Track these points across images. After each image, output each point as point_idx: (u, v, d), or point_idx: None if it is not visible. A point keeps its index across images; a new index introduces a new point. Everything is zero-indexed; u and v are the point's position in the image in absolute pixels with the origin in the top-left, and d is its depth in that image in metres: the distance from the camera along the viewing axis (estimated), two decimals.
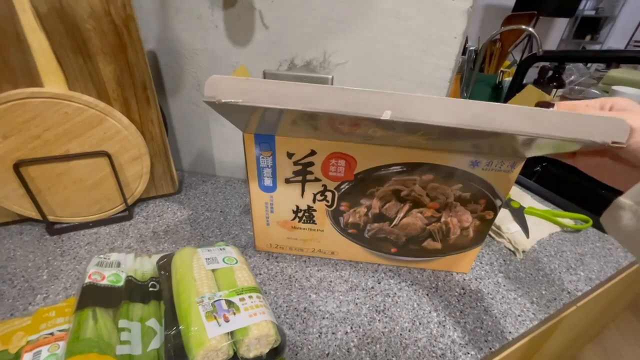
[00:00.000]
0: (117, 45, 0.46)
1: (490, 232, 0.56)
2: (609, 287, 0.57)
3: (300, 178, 0.41)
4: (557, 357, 0.97)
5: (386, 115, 0.25)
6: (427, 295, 0.45)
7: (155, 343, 0.34)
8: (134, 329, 0.34)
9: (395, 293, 0.45)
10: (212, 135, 0.65)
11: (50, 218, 0.53)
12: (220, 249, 0.44)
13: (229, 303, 0.34)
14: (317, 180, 0.41)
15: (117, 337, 0.33)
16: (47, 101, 0.44)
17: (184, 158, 0.70)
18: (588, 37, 3.40)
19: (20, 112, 0.44)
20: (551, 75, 1.04)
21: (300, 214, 0.45)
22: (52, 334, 0.35)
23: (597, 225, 0.59)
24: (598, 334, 1.30)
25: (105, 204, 0.55)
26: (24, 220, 0.54)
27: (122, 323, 0.34)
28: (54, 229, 0.53)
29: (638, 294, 1.22)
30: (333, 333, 0.40)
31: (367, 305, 0.43)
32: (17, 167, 0.46)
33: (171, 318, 0.34)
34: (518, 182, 0.71)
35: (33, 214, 0.52)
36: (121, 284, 0.39)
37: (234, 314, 0.33)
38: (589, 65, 1.41)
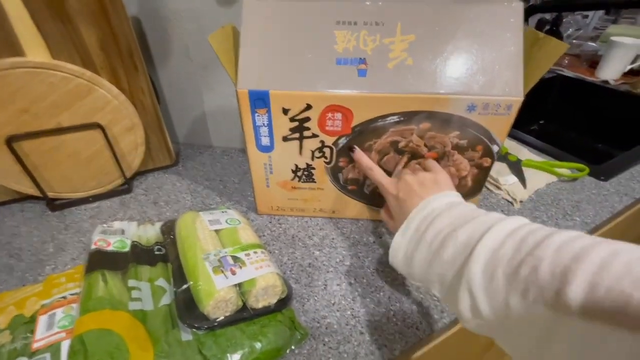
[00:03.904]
0: (97, 7, 0.43)
1: (487, 185, 0.57)
2: (600, 234, 0.59)
3: (297, 135, 0.41)
4: None
5: None
6: None
7: (165, 299, 0.35)
8: (144, 287, 0.35)
9: None
10: (206, 104, 0.64)
11: (50, 194, 0.53)
12: (222, 212, 0.44)
13: (235, 258, 0.35)
14: (314, 136, 0.41)
15: (128, 295, 0.34)
16: (31, 71, 0.43)
17: (178, 130, 0.69)
18: None
19: (3, 84, 0.42)
20: (549, 28, 1.01)
21: (299, 173, 0.45)
22: (64, 297, 0.36)
23: (593, 173, 0.59)
24: None
25: (103, 178, 0.55)
26: (24, 198, 0.54)
27: (131, 282, 0.35)
28: (54, 204, 0.53)
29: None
30: (338, 284, 0.41)
31: (370, 258, 0.45)
32: (10, 142, 0.46)
33: (179, 276, 0.35)
34: (516, 137, 0.71)
35: (32, 190, 0.51)
36: (127, 249, 0.40)
37: (240, 267, 0.34)
38: (589, 18, 1.37)
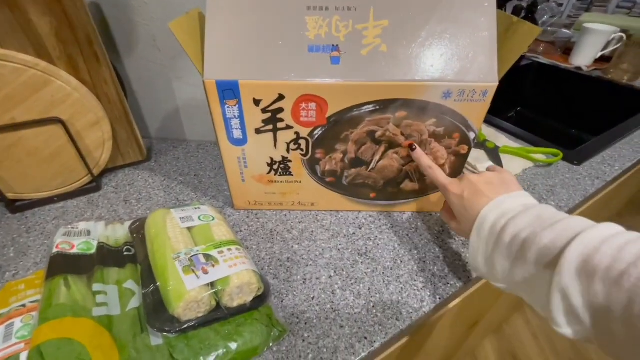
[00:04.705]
0: None
1: (466, 172, 0.57)
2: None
3: (270, 127, 0.39)
4: None
5: None
6: (408, 235, 0.46)
7: (134, 302, 0.33)
8: (110, 291, 0.33)
9: (377, 236, 0.46)
10: (177, 96, 0.61)
11: (10, 195, 0.49)
12: (195, 208, 0.42)
13: (207, 257, 0.33)
14: (288, 127, 0.39)
15: (93, 300, 0.32)
16: None
17: (150, 124, 0.66)
18: None
19: None
20: (524, 15, 1.02)
21: (275, 167, 0.44)
22: (23, 305, 0.33)
23: (567, 158, 0.61)
24: None
25: (68, 176, 0.52)
26: None
27: (96, 287, 0.33)
28: (15, 206, 0.50)
29: None
30: (317, 278, 0.40)
31: (350, 250, 0.44)
32: None
33: (148, 277, 0.33)
34: (493, 124, 0.71)
35: None
36: (92, 251, 0.38)
37: (213, 266, 0.32)
38: (563, 6, 1.39)
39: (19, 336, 0.30)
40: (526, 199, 0.33)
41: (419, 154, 0.40)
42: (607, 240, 0.23)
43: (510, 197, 0.32)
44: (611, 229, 0.25)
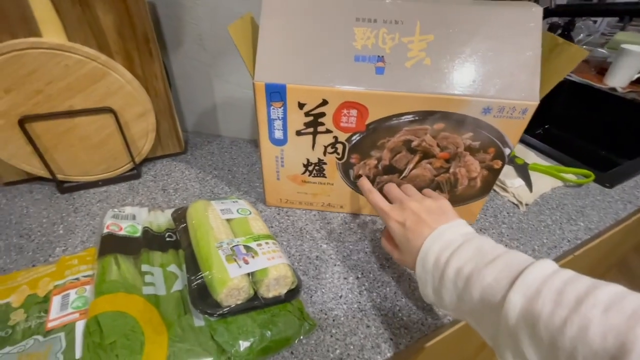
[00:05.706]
0: None
1: (495, 187, 0.58)
2: (602, 240, 0.60)
3: (311, 130, 0.41)
4: None
5: None
6: None
7: (177, 285, 0.35)
8: (156, 273, 0.36)
9: None
10: (215, 93, 0.64)
11: (60, 177, 0.53)
12: (233, 202, 0.44)
13: (247, 248, 0.35)
14: (328, 131, 0.41)
15: (141, 279, 0.34)
16: (47, 52, 0.43)
17: (187, 118, 0.69)
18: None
19: (20, 65, 0.42)
20: (560, 32, 1.01)
21: (310, 168, 0.46)
22: (77, 279, 0.36)
23: (599, 180, 0.60)
24: None
25: (112, 163, 0.55)
26: (32, 179, 0.54)
27: (144, 267, 0.35)
28: (63, 187, 0.54)
29: (627, 252, 1.27)
30: (345, 278, 0.42)
31: (377, 254, 0.45)
32: (22, 123, 0.46)
33: (192, 263, 0.35)
34: (522, 140, 0.71)
35: (42, 172, 0.52)
36: (138, 234, 0.40)
37: (253, 257, 0.34)
38: (597, 24, 1.36)
39: (74, 306, 0.33)
40: (464, 228, 0.33)
41: (364, 180, 0.43)
42: (545, 281, 0.24)
43: (451, 227, 0.33)
44: (548, 268, 0.25)
